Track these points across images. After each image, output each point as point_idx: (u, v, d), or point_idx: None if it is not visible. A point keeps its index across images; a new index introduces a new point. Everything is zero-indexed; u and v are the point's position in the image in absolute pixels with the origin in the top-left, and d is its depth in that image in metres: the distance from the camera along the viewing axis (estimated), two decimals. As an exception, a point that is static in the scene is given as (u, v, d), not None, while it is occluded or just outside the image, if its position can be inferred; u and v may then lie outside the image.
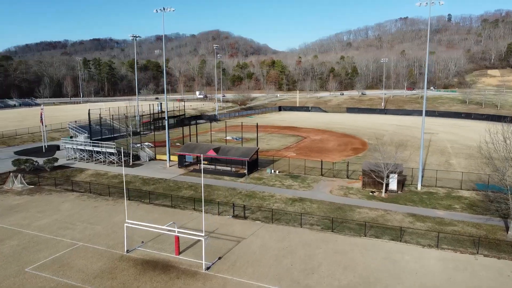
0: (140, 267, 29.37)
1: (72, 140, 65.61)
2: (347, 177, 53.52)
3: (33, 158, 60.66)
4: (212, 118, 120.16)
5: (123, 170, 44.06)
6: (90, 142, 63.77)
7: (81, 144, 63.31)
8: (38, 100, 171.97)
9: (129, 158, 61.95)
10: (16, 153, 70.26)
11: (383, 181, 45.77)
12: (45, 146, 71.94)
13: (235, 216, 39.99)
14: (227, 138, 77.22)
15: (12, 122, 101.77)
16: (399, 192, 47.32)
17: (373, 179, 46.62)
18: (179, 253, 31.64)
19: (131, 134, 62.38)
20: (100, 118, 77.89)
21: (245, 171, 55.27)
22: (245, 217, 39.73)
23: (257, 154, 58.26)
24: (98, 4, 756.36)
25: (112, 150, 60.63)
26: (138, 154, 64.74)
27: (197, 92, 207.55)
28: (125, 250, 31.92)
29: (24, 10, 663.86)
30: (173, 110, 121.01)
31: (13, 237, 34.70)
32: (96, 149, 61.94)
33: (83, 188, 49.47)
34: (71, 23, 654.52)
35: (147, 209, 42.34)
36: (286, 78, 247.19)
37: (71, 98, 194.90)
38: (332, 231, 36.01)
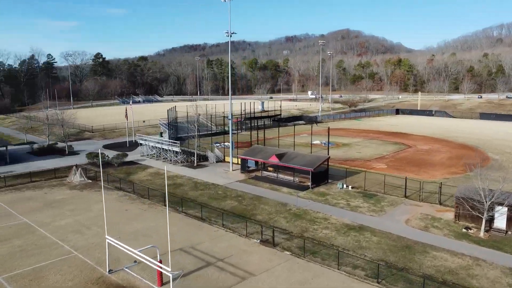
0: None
1: (143, 137, 65.03)
2: (439, 203, 40.66)
3: (113, 152, 61.48)
4: (313, 120, 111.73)
5: (164, 170, 39.80)
6: (157, 140, 62.17)
7: (151, 141, 62.07)
8: (160, 98, 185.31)
9: (195, 159, 58.24)
10: (105, 146, 73.09)
11: (482, 215, 32.74)
12: (129, 141, 73.29)
13: (263, 241, 32.06)
14: (314, 142, 68.43)
15: (122, 116, 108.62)
16: (509, 233, 33.41)
17: (471, 211, 33.83)
18: (162, 284, 25.35)
19: (196, 134, 58.56)
20: (186, 115, 76.55)
21: (309, 184, 46.50)
22: (274, 244, 31.55)
23: (328, 163, 48.75)
24: (234, 9, 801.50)
25: (177, 149, 57.70)
26: (206, 154, 60.79)
27: (309, 92, 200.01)
28: (107, 270, 27.00)
29: (168, 16, 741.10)
30: (273, 110, 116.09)
31: (23, 237, 32.93)
32: (164, 147, 59.87)
33: (130, 187, 46.98)
34: (211, 27, 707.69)
35: (174, 218, 37.20)
36: (414, 78, 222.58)
37: (193, 96, 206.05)
38: (378, 283, 25.63)
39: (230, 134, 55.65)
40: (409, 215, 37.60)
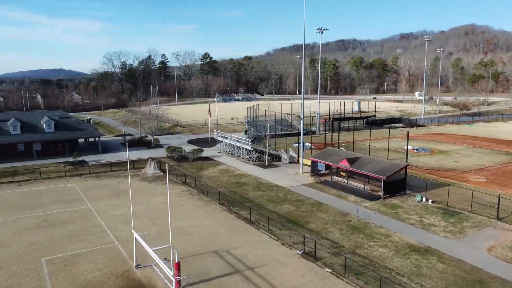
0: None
1: (220, 133, 65.44)
2: (542, 230, 32.73)
3: (194, 147, 63.34)
4: (413, 123, 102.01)
5: (234, 167, 39.04)
6: (231, 137, 61.97)
7: (226, 138, 62.20)
8: (259, 96, 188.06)
9: (266, 158, 56.62)
10: (189, 141, 75.81)
11: None
12: (212, 137, 74.78)
13: (306, 253, 28.97)
14: (408, 147, 61.89)
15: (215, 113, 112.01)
16: None
17: None
18: (180, 286, 24.15)
19: (267, 134, 56.78)
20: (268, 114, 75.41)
21: (381, 193, 41.54)
22: (315, 258, 28.27)
23: (406, 172, 43.00)
24: (346, 6, 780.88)
25: (249, 147, 56.75)
26: (279, 154, 58.78)
27: (417, 93, 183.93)
28: (135, 264, 26.82)
29: (282, 17, 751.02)
30: (371, 111, 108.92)
31: (79, 222, 34.85)
32: (238, 144, 59.46)
33: (196, 183, 47.20)
34: (320, 25, 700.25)
35: (225, 218, 36.04)
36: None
37: (292, 95, 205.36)
38: (423, 324, 20.93)
39: (301, 135, 52.72)
40: (496, 242, 30.80)
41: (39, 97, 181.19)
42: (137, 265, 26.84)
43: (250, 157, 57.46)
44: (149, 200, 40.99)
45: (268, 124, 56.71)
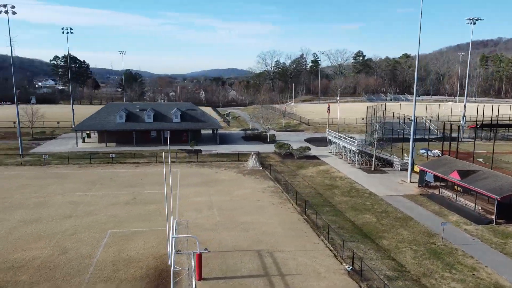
0: (144, 279, 24.63)
1: (331, 133, 62.27)
2: None
3: (307, 145, 62.64)
4: None
5: (335, 169, 37.48)
6: (339, 136, 58.31)
7: (335, 137, 59.03)
8: (410, 96, 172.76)
9: (373, 162, 51.66)
10: (307, 139, 74.69)
11: None
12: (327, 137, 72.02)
13: (355, 271, 25.41)
14: None
15: (350, 113, 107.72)
16: None
17: None
18: (201, 278, 23.98)
19: (375, 137, 51.44)
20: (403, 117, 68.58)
21: (493, 217, 33.64)
22: (361, 278, 24.54)
23: (535, 194, 33.65)
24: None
25: (354, 149, 52.69)
26: (391, 159, 52.98)
27: None
28: (176, 250, 27.66)
29: (458, 12, 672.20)
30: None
31: (160, 204, 37.63)
32: (345, 145, 55.83)
33: (286, 181, 46.15)
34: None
35: (291, 219, 34.30)
36: None
37: (455, 97, 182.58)
38: None
39: (411, 140, 46.11)
40: None
41: (202, 92, 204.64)
42: (177, 251, 27.56)
43: (356, 160, 53.24)
44: (232, 192, 41.75)
45: (382, 127, 51.41)
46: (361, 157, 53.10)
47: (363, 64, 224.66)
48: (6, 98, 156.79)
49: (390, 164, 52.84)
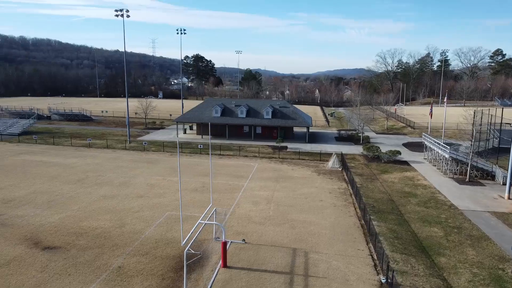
0: (176, 258, 26.19)
1: (427, 137, 56.61)
2: None
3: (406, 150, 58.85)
4: None
5: (423, 177, 35.63)
6: (433, 141, 52.71)
7: (430, 143, 53.72)
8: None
9: (468, 172, 45.75)
10: (405, 143, 69.44)
11: None
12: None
13: (389, 284, 23.37)
14: None
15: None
16: None
17: None
18: (226, 266, 24.69)
19: (483, 146, 45.18)
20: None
21: None
22: (391, 294, 22.47)
23: None
24: None
25: (446, 156, 47.37)
26: (492, 171, 46.29)
27: None
28: (214, 237, 28.83)
29: None
30: None
31: (223, 194, 39.31)
32: (439, 151, 50.50)
33: (360, 183, 43.96)
34: None
35: (344, 223, 32.66)
36: None
37: None
38: None
39: (511, 151, 39.51)
40: None
41: (317, 92, 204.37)
42: (216, 238, 28.65)
43: (448, 168, 47.75)
44: (297, 190, 41.34)
45: (489, 133, 45.25)
46: (456, 165, 47.34)
47: (503, 64, 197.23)
48: (145, 93, 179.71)
49: (491, 176, 46.10)
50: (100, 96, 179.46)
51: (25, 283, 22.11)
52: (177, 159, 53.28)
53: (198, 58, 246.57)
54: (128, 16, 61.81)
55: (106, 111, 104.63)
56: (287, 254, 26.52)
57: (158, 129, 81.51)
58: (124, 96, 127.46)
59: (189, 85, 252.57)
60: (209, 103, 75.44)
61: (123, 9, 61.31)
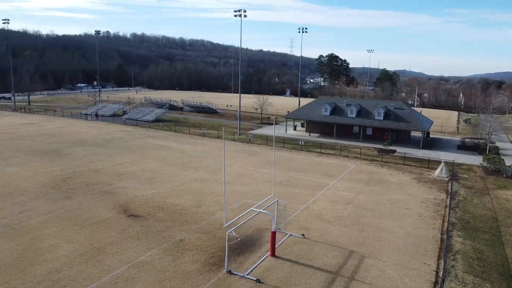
0: (232, 240, 27.67)
1: None
2: None
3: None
4: None
5: None
6: None
7: None
8: None
9: None
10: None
11: None
12: None
13: (441, 305, 21.16)
14: None
15: None
16: None
17: None
18: (274, 254, 25.37)
19: None
20: None
21: None
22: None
23: None
24: None
25: None
26: None
27: None
28: (275, 227, 29.51)
29: None
30: None
31: (299, 188, 39.55)
32: None
33: (460, 199, 39.37)
34: None
35: (423, 234, 29.86)
36: None
37: None
38: None
39: None
40: None
41: (461, 95, 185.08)
42: (278, 228, 29.25)
43: None
44: (385, 195, 38.94)
45: None
46: None
47: None
48: (276, 92, 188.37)
49: None
50: (234, 92, 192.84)
51: (103, 240, 26.21)
52: (276, 153, 55.06)
53: (332, 58, 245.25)
54: (245, 16, 65.68)
55: (231, 106, 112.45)
56: (341, 254, 25.70)
57: (271, 124, 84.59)
58: (256, 93, 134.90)
59: (322, 84, 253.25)
60: (321, 101, 75.21)
61: (241, 9, 65.44)
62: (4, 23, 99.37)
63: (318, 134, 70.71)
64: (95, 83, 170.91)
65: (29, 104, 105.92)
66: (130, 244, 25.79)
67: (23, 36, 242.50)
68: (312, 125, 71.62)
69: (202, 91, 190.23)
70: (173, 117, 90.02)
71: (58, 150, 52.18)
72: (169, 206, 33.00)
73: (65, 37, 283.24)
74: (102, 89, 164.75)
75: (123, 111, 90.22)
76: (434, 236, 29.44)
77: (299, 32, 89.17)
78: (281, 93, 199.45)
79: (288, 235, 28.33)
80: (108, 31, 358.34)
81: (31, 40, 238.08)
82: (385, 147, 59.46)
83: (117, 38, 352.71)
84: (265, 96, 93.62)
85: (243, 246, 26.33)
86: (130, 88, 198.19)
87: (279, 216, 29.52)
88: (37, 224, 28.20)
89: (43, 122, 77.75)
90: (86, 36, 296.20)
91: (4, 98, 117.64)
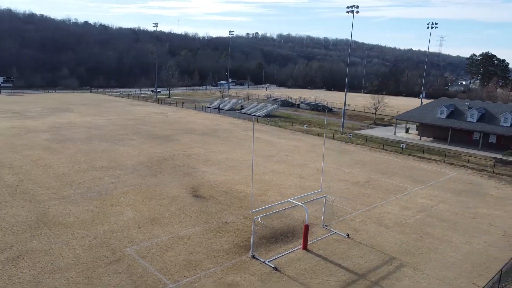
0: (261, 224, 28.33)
1: None
2: None
3: None
4: None
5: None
6: None
7: None
8: None
9: None
10: None
11: None
12: None
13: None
14: None
15: None
16: None
17: None
18: (306, 247, 25.46)
19: None
20: None
21: None
22: None
23: None
24: None
25: None
26: None
27: None
28: (322, 224, 29.21)
29: None
30: None
31: (355, 190, 37.59)
32: None
33: None
34: None
35: (491, 259, 26.31)
36: None
37: None
38: None
39: None
40: None
41: None
42: (324, 225, 28.92)
43: None
44: (472, 208, 34.38)
45: None
46: None
47: None
48: (414, 93, 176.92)
49: None
50: (363, 92, 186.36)
51: (162, 213, 29.68)
52: (371, 154, 52.67)
53: (487, 57, 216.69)
54: (357, 12, 63.86)
55: (349, 105, 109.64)
56: (378, 259, 24.23)
57: (384, 125, 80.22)
58: (388, 94, 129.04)
59: (472, 86, 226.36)
60: (439, 102, 68.40)
61: (353, 6, 63.81)
62: (154, 26, 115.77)
63: (431, 139, 64.70)
64: (230, 80, 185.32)
65: (169, 97, 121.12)
66: (181, 220, 28.64)
67: (184, 38, 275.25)
68: (424, 128, 65.85)
69: (331, 90, 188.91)
70: (284, 113, 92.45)
71: (169, 136, 59.29)
72: (234, 192, 35.10)
73: (217, 39, 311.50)
74: (238, 86, 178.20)
75: (241, 105, 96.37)
76: (507, 258, 25.23)
77: (428, 28, 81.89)
78: (417, 95, 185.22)
79: (332, 233, 27.74)
80: (256, 32, 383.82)
81: (189, 41, 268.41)
82: (504, 157, 51.46)
83: (263, 39, 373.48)
84: (380, 96, 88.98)
85: (280, 236, 26.83)
86: (263, 86, 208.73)
87: (326, 212, 29.07)
88: (118, 194, 33.30)
89: (170, 112, 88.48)
90: (236, 37, 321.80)
91: (153, 91, 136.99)
